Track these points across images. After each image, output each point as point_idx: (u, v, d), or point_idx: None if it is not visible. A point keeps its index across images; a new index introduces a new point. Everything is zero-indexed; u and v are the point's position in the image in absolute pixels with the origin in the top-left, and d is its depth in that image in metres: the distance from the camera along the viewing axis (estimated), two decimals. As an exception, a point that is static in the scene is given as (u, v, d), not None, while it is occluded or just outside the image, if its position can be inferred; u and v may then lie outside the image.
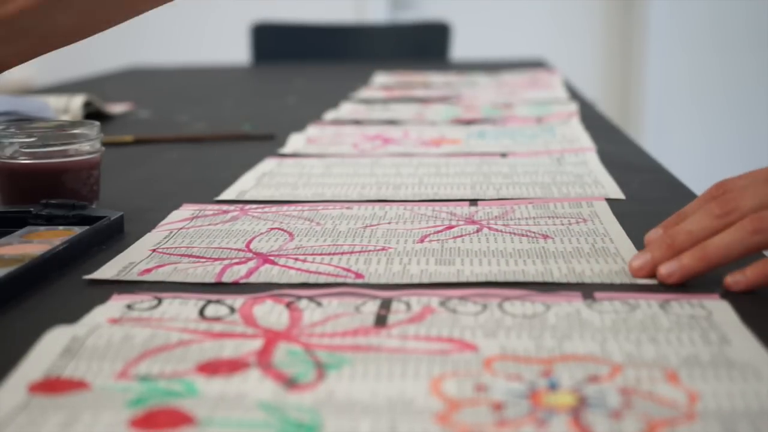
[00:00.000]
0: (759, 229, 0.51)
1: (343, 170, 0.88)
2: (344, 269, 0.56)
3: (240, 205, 0.74)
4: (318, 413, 0.36)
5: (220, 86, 1.89)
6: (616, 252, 0.59)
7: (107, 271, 0.56)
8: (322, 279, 0.54)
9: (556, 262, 0.57)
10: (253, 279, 0.54)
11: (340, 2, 3.15)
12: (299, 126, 1.17)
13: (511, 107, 1.33)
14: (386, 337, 0.44)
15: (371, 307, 0.48)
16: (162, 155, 1.02)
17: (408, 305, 0.48)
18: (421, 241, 0.62)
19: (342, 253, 0.59)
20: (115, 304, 0.49)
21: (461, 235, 0.63)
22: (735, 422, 0.35)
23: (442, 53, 2.37)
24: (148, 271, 0.56)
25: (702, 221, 0.53)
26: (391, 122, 1.20)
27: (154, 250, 0.61)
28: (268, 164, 0.92)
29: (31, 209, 0.65)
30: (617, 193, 0.76)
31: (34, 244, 0.60)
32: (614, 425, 0.35)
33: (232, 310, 0.48)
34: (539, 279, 0.54)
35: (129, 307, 0.49)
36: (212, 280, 0.54)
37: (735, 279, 0.51)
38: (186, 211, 0.72)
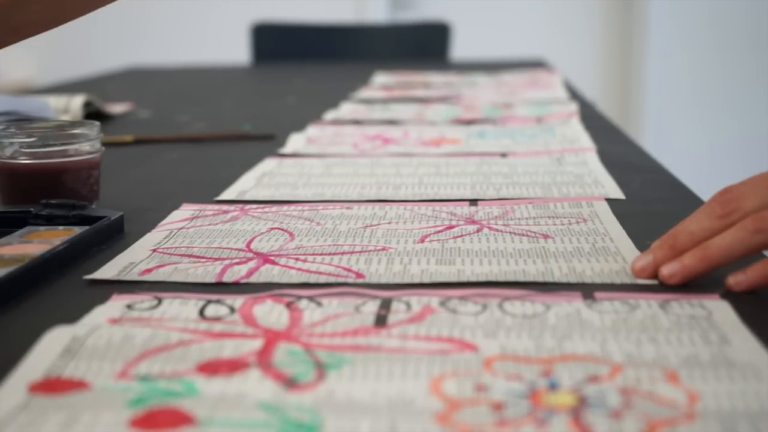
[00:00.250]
0: (760, 228, 0.51)
1: (343, 170, 0.88)
2: (345, 269, 0.56)
3: (240, 205, 0.74)
4: (318, 413, 0.36)
5: (220, 86, 1.89)
6: (616, 251, 0.59)
7: (107, 271, 0.56)
8: (323, 279, 0.54)
9: (557, 261, 0.57)
10: (253, 279, 0.54)
11: (340, 2, 3.15)
12: (299, 126, 1.17)
13: (511, 107, 1.33)
14: (386, 337, 0.44)
15: (371, 307, 0.48)
16: (162, 155, 1.02)
17: (408, 305, 0.48)
18: (422, 241, 0.62)
19: (342, 253, 0.59)
20: (115, 304, 0.49)
21: (461, 235, 0.63)
22: (735, 422, 0.35)
23: (442, 53, 2.37)
24: (149, 271, 0.56)
25: (703, 222, 0.53)
26: (391, 122, 1.20)
27: (154, 250, 0.61)
28: (268, 164, 0.92)
29: (31, 209, 0.65)
30: (617, 193, 0.76)
31: (34, 244, 0.60)
32: (614, 425, 0.35)
33: (232, 310, 0.48)
34: (539, 279, 0.54)
35: (129, 307, 0.49)
36: (213, 280, 0.54)
37: (737, 279, 0.51)
38: (186, 211, 0.72)
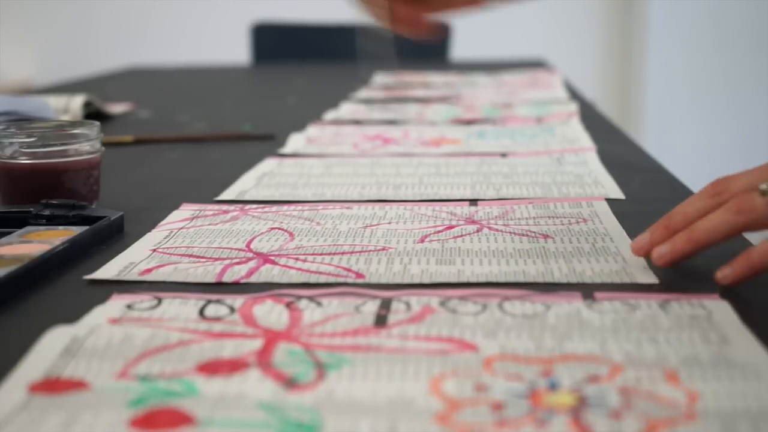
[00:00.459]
0: (742, 209, 0.51)
1: (343, 170, 0.88)
2: (345, 269, 0.56)
3: (240, 205, 0.74)
4: (318, 413, 0.36)
5: (220, 86, 1.89)
6: (616, 251, 0.59)
7: (107, 271, 0.56)
8: (323, 279, 0.54)
9: (557, 261, 0.57)
10: (253, 279, 0.54)
11: (340, 2, 3.15)
12: (299, 126, 1.17)
13: (511, 107, 1.33)
14: (386, 337, 0.44)
15: (371, 307, 0.48)
16: (162, 155, 1.02)
17: (408, 305, 0.48)
18: (422, 241, 0.62)
19: (342, 253, 0.59)
20: (115, 304, 0.49)
21: (461, 235, 0.63)
22: (735, 422, 0.35)
23: (442, 53, 2.37)
24: (149, 271, 0.56)
25: (696, 202, 0.54)
26: (391, 122, 1.20)
27: (154, 250, 0.61)
28: (268, 164, 0.92)
29: (31, 209, 0.65)
30: (617, 193, 0.76)
31: (34, 244, 0.60)
32: (614, 425, 0.35)
33: (232, 310, 0.48)
34: (539, 279, 0.54)
35: (129, 307, 0.49)
36: (213, 280, 0.54)
37: (723, 273, 0.51)
38: (186, 211, 0.72)
